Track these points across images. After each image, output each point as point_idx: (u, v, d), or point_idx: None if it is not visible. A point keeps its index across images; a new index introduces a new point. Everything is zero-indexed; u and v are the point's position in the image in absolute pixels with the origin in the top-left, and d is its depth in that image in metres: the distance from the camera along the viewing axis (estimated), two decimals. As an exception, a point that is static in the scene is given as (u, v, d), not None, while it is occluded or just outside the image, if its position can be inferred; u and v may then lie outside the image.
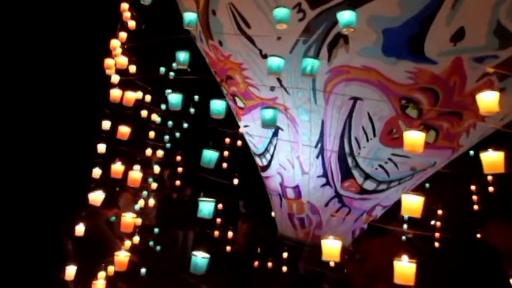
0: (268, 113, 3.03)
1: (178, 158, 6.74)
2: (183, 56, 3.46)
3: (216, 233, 6.16)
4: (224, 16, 4.47)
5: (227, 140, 6.15)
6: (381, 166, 4.77)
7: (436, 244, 5.77)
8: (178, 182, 7.30)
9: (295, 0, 3.87)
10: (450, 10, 3.55)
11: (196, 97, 6.33)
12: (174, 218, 7.84)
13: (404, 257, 2.49)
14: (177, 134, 6.97)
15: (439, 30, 3.66)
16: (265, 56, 4.41)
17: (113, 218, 5.22)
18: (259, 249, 5.85)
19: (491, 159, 2.72)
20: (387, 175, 4.87)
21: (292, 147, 4.98)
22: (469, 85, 4.07)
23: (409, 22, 3.64)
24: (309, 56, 3.30)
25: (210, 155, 2.88)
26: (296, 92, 4.49)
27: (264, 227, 5.96)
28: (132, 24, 4.49)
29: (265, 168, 5.47)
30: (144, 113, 5.62)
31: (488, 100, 2.72)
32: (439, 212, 6.59)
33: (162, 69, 5.84)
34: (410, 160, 4.77)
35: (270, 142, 5.18)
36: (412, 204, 2.73)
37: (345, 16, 2.79)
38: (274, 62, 3.14)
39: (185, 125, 6.60)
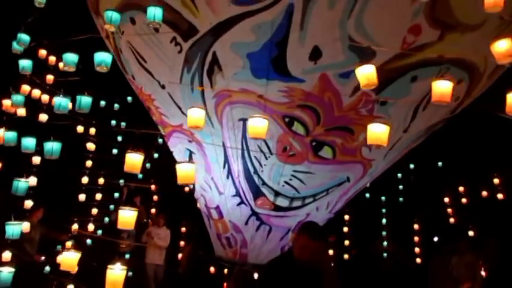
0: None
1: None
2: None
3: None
4: (128, 53, 4.90)
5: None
6: (286, 183, 4.89)
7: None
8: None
9: (172, 34, 4.22)
10: (300, 31, 3.75)
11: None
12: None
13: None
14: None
15: (295, 50, 3.86)
16: (163, 87, 4.77)
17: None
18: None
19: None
20: (296, 191, 4.97)
21: (206, 169, 5.22)
22: (346, 100, 4.19)
23: (266, 45, 3.88)
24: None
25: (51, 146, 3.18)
26: (196, 116, 4.77)
27: (203, 249, 6.15)
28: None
29: (192, 190, 5.73)
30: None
31: (441, 89, 2.78)
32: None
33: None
34: (315, 176, 4.87)
35: (189, 165, 5.45)
36: (377, 133, 2.80)
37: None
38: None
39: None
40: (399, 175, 8.63)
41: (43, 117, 4.11)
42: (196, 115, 3.07)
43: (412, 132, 4.94)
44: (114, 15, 3.68)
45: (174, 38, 4.22)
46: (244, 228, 5.33)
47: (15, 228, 3.22)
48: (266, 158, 4.72)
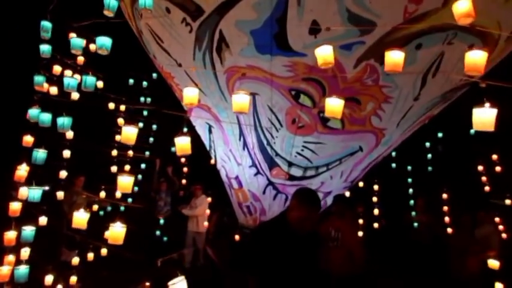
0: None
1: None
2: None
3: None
4: (148, 34, 5.24)
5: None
6: (298, 153, 5.11)
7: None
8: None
9: (182, 15, 4.48)
10: (297, 7, 3.86)
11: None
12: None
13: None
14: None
15: (294, 26, 3.98)
16: (180, 65, 5.08)
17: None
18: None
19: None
20: (309, 161, 5.18)
21: (224, 142, 5.55)
22: (350, 72, 4.27)
23: (267, 22, 4.03)
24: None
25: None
26: (210, 92, 5.07)
27: (228, 216, 6.57)
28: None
29: (215, 162, 6.10)
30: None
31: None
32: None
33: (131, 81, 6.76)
34: (326, 146, 5.04)
35: (210, 139, 5.81)
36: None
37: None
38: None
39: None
40: (427, 144, 8.50)
41: (75, 95, 4.57)
42: (191, 93, 3.34)
43: (424, 100, 4.93)
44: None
45: (184, 19, 4.47)
46: (262, 197, 5.65)
47: (36, 192, 3.77)
48: (277, 130, 4.95)
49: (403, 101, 4.73)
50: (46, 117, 4.30)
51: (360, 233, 7.07)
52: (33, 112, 4.27)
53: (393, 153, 8.60)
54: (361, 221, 7.76)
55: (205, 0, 4.17)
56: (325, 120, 4.75)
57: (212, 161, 6.27)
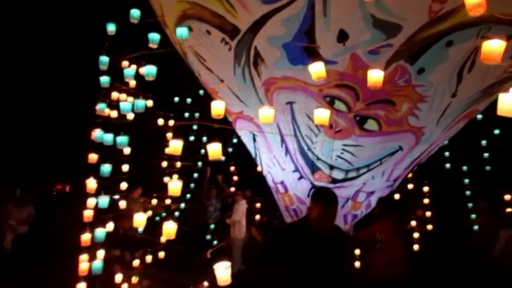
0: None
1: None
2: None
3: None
4: (192, 56, 5.75)
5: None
6: (338, 157, 5.29)
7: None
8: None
9: (221, 36, 4.91)
10: (324, 18, 4.11)
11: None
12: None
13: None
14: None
15: (323, 36, 4.22)
16: (222, 81, 5.52)
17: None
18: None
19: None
20: (349, 164, 5.33)
21: (268, 149, 5.87)
22: (380, 74, 4.41)
23: (297, 35, 4.32)
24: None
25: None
26: (252, 103, 5.43)
27: (277, 219, 6.86)
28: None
29: (262, 169, 6.43)
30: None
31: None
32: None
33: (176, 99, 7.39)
34: (365, 148, 5.17)
35: (255, 147, 6.16)
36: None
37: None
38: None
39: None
40: (483, 142, 8.18)
41: (130, 116, 5.22)
42: (218, 106, 3.69)
43: (463, 96, 4.91)
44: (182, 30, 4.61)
45: (223, 39, 4.90)
46: (307, 200, 5.86)
47: (104, 200, 4.37)
48: (316, 136, 5.18)
49: (439, 99, 4.76)
50: (109, 137, 4.97)
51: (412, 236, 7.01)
52: (98, 133, 4.95)
53: (446, 153, 8.41)
54: (414, 223, 7.67)
55: (240, 20, 4.55)
56: (361, 123, 4.91)
57: (259, 168, 6.63)
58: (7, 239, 7.40)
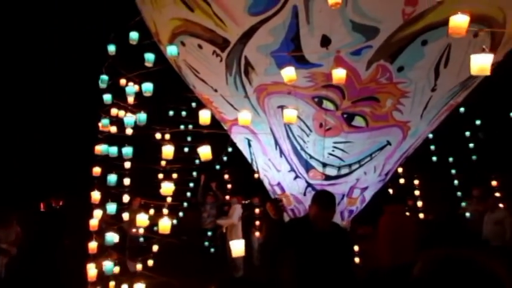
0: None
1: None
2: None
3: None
4: (186, 69, 6.06)
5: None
6: (330, 154, 5.59)
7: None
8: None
9: (212, 48, 5.23)
10: (307, 25, 4.46)
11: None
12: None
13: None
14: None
15: (308, 42, 4.57)
16: (216, 90, 5.83)
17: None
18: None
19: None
20: (341, 160, 5.64)
21: (263, 152, 6.16)
22: (363, 74, 4.76)
23: (284, 43, 4.66)
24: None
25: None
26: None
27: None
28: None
29: (258, 173, 6.72)
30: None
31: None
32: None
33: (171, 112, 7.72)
34: (355, 144, 5.50)
35: (250, 152, 6.45)
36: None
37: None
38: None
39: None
40: (467, 133, 8.59)
41: (129, 131, 5.53)
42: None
43: (443, 90, 5.27)
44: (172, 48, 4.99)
45: (214, 51, 5.22)
46: (304, 199, 6.15)
47: (111, 207, 4.66)
48: (307, 135, 5.49)
49: (420, 94, 5.11)
50: (114, 150, 5.28)
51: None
52: (102, 147, 5.24)
53: (432, 147, 8.79)
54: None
55: (229, 32, 4.88)
56: (349, 120, 5.23)
57: (256, 175, 6.92)
58: (1, 263, 6.96)
